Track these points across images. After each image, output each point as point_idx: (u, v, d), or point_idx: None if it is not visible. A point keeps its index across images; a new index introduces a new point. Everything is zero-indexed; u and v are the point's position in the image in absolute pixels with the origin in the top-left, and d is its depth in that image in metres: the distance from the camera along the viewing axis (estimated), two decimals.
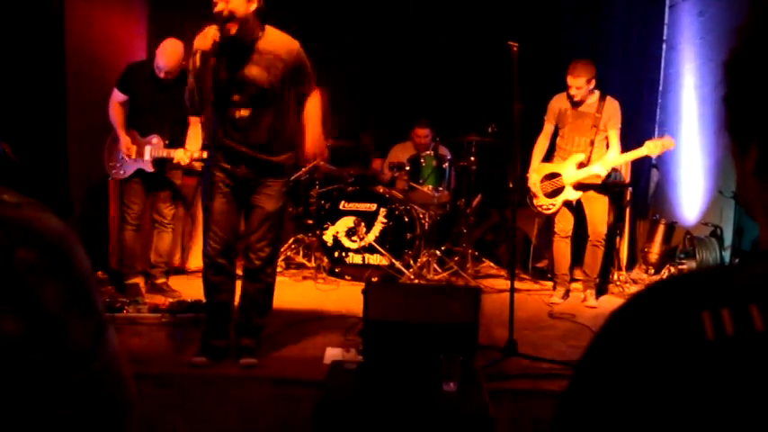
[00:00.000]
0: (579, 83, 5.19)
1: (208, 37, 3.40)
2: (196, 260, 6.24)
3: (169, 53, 4.95)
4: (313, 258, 6.29)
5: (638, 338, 0.67)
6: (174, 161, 5.07)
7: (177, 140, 5.12)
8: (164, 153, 5.10)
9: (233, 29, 3.43)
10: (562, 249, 5.55)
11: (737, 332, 0.63)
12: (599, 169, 5.25)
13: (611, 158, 5.26)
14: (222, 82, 3.57)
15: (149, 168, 5.11)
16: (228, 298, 3.82)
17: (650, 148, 5.08)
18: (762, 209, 0.75)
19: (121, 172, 5.14)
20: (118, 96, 5.08)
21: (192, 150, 5.05)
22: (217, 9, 3.38)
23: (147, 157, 5.10)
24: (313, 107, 3.90)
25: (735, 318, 0.64)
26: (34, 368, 0.87)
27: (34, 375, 0.88)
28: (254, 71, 3.55)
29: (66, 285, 0.91)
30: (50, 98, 5.13)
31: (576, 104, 5.30)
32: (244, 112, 3.61)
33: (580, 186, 5.34)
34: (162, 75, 4.96)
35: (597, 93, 5.31)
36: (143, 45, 6.86)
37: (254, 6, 3.45)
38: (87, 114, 5.09)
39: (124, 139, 5.07)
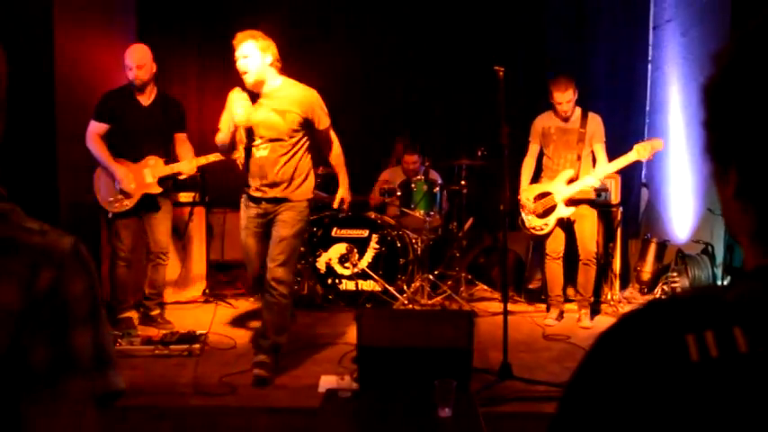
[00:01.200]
0: (567, 96, 5.24)
1: (246, 112, 3.95)
2: (188, 291, 6.23)
3: (140, 51, 4.99)
4: (306, 286, 6.27)
5: (625, 361, 0.68)
6: (181, 176, 5.13)
7: (171, 159, 5.14)
8: (167, 170, 5.07)
9: (254, 84, 3.99)
10: (554, 271, 5.55)
11: (721, 354, 0.64)
12: (591, 180, 5.27)
13: (602, 168, 5.26)
14: (247, 127, 4.06)
15: (156, 190, 5.05)
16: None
17: (640, 152, 5.03)
18: (743, 231, 0.76)
19: (126, 203, 4.99)
20: (98, 128, 4.94)
21: (196, 158, 5.12)
22: (246, 78, 3.96)
23: (149, 179, 5.03)
24: (337, 154, 4.40)
25: (719, 340, 0.64)
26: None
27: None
28: (272, 118, 4.01)
29: (54, 306, 0.94)
30: (40, 129, 5.10)
31: (564, 120, 5.34)
32: (263, 152, 4.06)
33: (572, 202, 5.36)
34: (137, 77, 4.92)
35: (579, 109, 5.38)
36: None
37: (268, 60, 3.97)
38: (78, 144, 5.02)
39: (119, 171, 4.93)
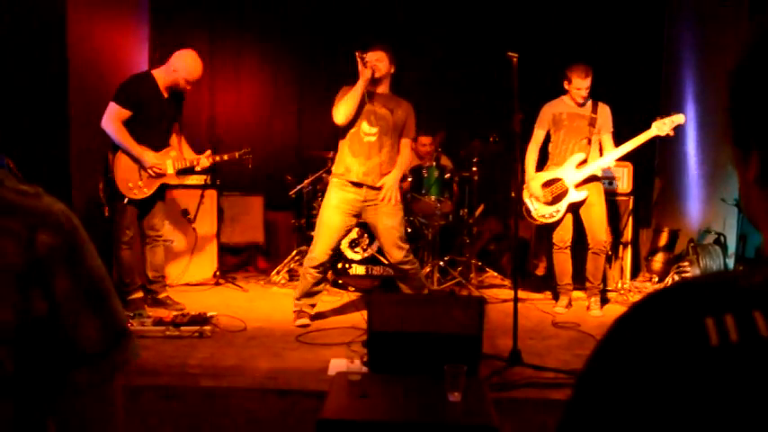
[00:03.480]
0: (588, 83, 5.22)
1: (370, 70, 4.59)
2: (198, 273, 6.26)
3: (198, 65, 5.04)
4: None
5: (642, 346, 0.67)
6: (198, 167, 5.27)
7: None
8: (187, 163, 5.17)
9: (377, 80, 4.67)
10: (562, 260, 5.53)
11: (742, 338, 0.63)
12: (607, 160, 5.27)
13: (617, 149, 5.22)
14: (359, 110, 4.63)
15: (174, 181, 5.21)
16: (322, 285, 4.99)
17: (660, 128, 4.99)
18: (763, 217, 0.75)
19: (145, 190, 5.00)
20: (122, 114, 4.82)
21: (212, 155, 5.28)
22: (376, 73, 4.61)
23: (170, 170, 5.07)
24: (405, 155, 4.86)
25: (739, 324, 0.64)
26: (41, 356, 0.92)
27: (39, 363, 0.92)
28: (382, 110, 4.67)
29: (75, 276, 0.96)
30: (53, 114, 5.12)
31: (579, 105, 5.31)
32: (371, 136, 4.66)
33: (582, 183, 5.35)
34: (188, 87, 5.04)
35: (589, 98, 5.36)
36: (145, 60, 6.89)
37: (392, 70, 4.75)
38: (90, 129, 5.02)
39: (149, 156, 4.92)
